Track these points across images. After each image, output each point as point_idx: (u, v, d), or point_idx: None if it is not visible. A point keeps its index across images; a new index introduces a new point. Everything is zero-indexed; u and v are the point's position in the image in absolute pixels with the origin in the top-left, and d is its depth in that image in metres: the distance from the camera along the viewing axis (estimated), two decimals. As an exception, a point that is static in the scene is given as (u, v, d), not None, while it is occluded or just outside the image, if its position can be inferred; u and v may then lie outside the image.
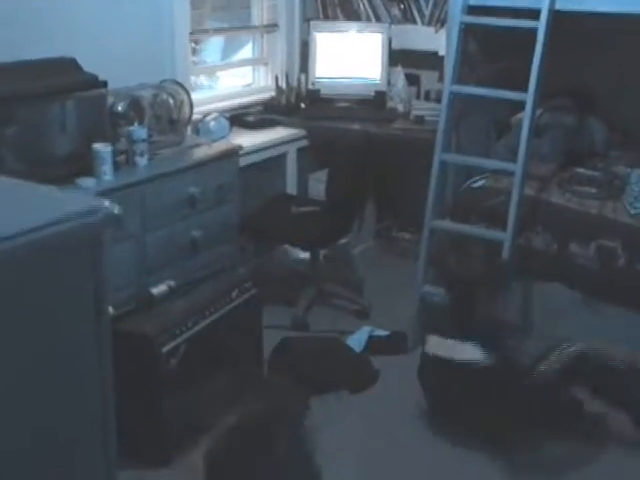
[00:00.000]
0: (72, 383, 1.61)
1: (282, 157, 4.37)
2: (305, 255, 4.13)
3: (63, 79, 3.11)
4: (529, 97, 3.40)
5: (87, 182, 3.08)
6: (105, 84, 3.21)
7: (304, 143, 4.44)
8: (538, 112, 3.73)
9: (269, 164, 4.27)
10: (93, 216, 1.45)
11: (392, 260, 4.54)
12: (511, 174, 3.50)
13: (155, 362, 2.77)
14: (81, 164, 3.13)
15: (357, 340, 3.64)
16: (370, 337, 3.67)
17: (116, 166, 3.23)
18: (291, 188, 4.46)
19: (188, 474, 2.76)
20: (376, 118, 4.39)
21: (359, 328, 3.75)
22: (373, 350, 3.60)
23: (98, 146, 3.14)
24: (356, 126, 4.25)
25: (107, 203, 1.48)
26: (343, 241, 4.26)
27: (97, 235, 1.50)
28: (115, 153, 3.23)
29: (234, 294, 3.14)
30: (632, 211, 3.53)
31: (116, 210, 1.49)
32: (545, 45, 3.37)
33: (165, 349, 2.77)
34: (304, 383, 3.24)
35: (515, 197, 3.45)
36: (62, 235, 1.42)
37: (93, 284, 1.52)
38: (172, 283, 3.05)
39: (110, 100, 3.35)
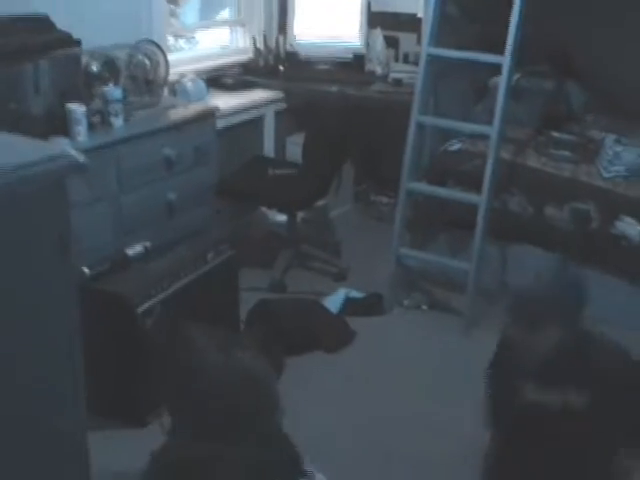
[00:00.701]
0: (38, 323, 1.62)
1: (260, 119, 4.35)
2: (282, 218, 4.13)
3: (35, 37, 3.07)
4: (506, 60, 3.40)
5: (61, 142, 3.05)
6: (79, 43, 3.18)
7: (282, 106, 4.42)
8: (516, 76, 3.73)
9: (246, 126, 4.25)
10: (56, 162, 1.46)
11: (369, 223, 4.56)
12: (487, 137, 3.51)
13: (130, 322, 2.77)
14: (55, 124, 3.10)
15: (333, 301, 3.66)
16: (346, 299, 3.69)
17: (91, 127, 3.20)
18: (268, 151, 4.45)
19: (163, 436, 2.78)
20: (354, 80, 4.37)
21: (336, 290, 3.77)
22: (349, 311, 3.63)
23: (72, 106, 3.11)
24: (334, 88, 4.23)
25: (72, 151, 1.49)
26: (320, 204, 4.27)
27: (60, 180, 1.52)
28: (90, 113, 3.20)
29: (209, 256, 3.14)
30: (605, 174, 3.56)
31: (81, 159, 1.49)
32: (522, 6, 3.36)
33: (140, 309, 2.77)
34: (280, 343, 3.27)
35: (491, 160, 3.45)
36: (26, 179, 1.44)
37: (57, 227, 1.54)
38: (148, 244, 3.05)
39: (84, 60, 3.31)
